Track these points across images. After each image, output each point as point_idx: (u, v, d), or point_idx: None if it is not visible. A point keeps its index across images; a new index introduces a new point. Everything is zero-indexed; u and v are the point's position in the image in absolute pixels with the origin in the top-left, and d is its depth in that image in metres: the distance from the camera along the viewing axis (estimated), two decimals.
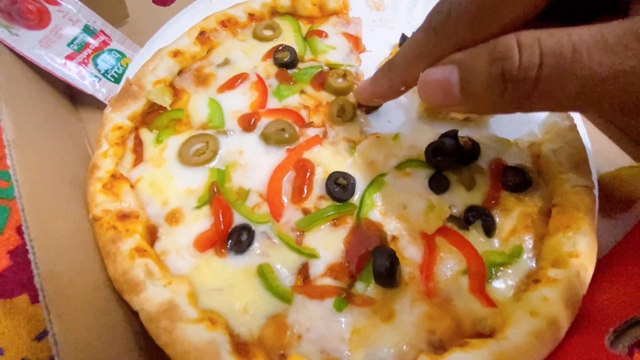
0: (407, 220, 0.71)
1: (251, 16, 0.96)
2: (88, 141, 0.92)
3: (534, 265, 0.67)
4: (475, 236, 0.69)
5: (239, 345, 0.60)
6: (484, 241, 0.69)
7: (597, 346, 0.53)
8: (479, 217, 0.70)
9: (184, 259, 0.68)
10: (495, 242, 0.69)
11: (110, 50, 0.98)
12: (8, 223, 0.73)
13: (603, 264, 0.67)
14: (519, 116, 0.58)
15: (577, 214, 0.67)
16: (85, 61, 0.93)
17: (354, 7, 1.01)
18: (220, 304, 0.63)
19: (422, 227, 0.70)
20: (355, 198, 0.73)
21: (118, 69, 0.97)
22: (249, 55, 0.91)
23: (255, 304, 0.64)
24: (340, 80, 0.86)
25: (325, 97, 0.86)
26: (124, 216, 0.69)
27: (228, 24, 0.94)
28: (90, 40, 0.95)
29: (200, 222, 0.71)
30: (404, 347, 0.60)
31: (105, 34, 0.98)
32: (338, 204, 0.72)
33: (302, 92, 0.86)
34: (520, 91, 0.47)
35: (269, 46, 0.92)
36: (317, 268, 0.67)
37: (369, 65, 0.93)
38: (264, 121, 0.81)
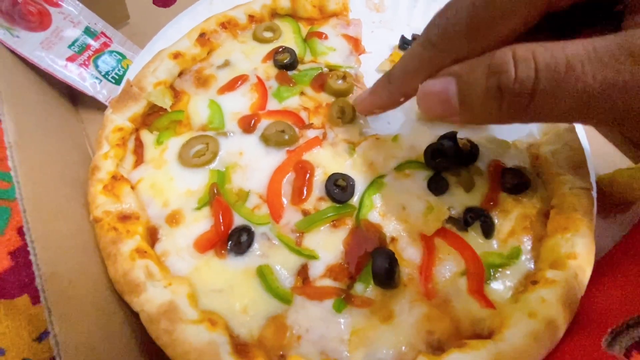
0: (406, 221, 0.71)
1: (251, 18, 0.96)
2: (89, 142, 0.92)
3: (532, 266, 0.67)
4: (473, 237, 0.69)
5: (239, 346, 0.60)
6: (483, 242, 0.69)
7: (594, 347, 0.53)
8: (478, 218, 0.70)
9: (184, 260, 0.68)
10: (494, 244, 0.69)
11: (111, 52, 0.98)
12: (9, 224, 0.73)
13: (601, 266, 0.68)
14: None
15: (575, 215, 0.67)
16: (86, 63, 0.94)
17: (354, 9, 1.01)
18: (220, 305, 0.64)
19: (421, 228, 0.70)
20: (355, 199, 0.74)
21: (119, 70, 0.97)
22: (249, 57, 0.91)
23: (255, 305, 0.64)
24: (340, 81, 0.86)
25: (325, 98, 0.86)
26: (124, 217, 0.70)
27: (228, 25, 0.94)
28: (91, 41, 0.96)
29: (201, 223, 0.71)
30: (403, 347, 0.60)
31: (106, 36, 0.99)
32: (337, 205, 0.73)
33: (302, 93, 0.87)
34: (517, 104, 0.48)
35: (269, 48, 0.92)
36: (317, 269, 0.68)
37: (368, 67, 0.94)
38: (264, 123, 0.81)
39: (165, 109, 0.84)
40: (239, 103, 0.85)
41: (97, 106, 0.95)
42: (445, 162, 0.74)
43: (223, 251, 0.68)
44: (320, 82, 0.88)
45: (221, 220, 0.70)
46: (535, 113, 0.48)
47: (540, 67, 0.45)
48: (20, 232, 0.72)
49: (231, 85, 0.87)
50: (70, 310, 0.55)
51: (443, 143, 0.75)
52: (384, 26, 1.03)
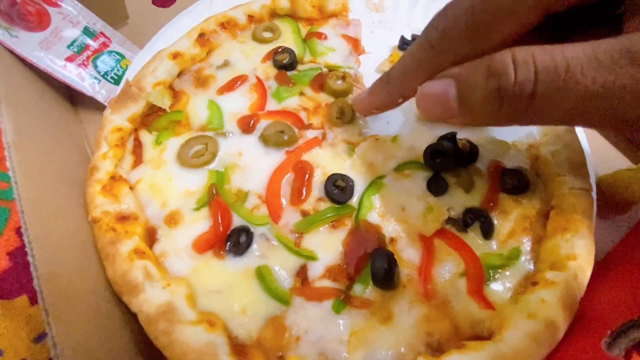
0: (405, 222, 0.71)
1: (251, 18, 0.96)
2: (87, 143, 0.92)
3: (532, 267, 0.67)
4: (473, 238, 0.69)
5: (238, 347, 0.60)
6: (482, 243, 0.69)
7: (594, 348, 0.53)
8: (477, 219, 0.70)
9: (183, 260, 0.68)
10: (493, 245, 0.69)
11: (110, 52, 0.98)
12: (7, 224, 0.73)
13: (601, 267, 0.67)
14: None
15: (575, 216, 0.67)
16: (85, 63, 0.94)
17: (354, 9, 1.01)
18: (218, 306, 0.64)
19: (421, 229, 0.70)
20: (354, 200, 0.74)
21: (118, 70, 0.97)
22: (248, 57, 0.91)
23: (254, 306, 0.64)
24: (339, 82, 0.86)
25: (324, 99, 0.86)
26: (123, 218, 0.69)
27: (228, 25, 0.94)
28: (90, 42, 0.96)
29: (199, 223, 0.71)
30: (402, 349, 0.60)
31: (105, 36, 0.98)
32: (337, 206, 0.73)
33: (301, 94, 0.86)
34: (517, 106, 0.48)
35: (268, 48, 0.92)
36: (316, 270, 0.67)
37: (368, 67, 0.94)
38: (263, 123, 0.81)
39: (165, 109, 0.83)
40: (238, 103, 0.85)
41: (96, 106, 0.95)
42: (445, 162, 0.74)
43: (222, 252, 0.68)
44: (319, 83, 0.87)
45: (220, 221, 0.70)
46: (534, 116, 0.48)
47: (539, 70, 0.45)
48: (18, 232, 0.71)
49: (230, 86, 0.86)
50: (69, 311, 0.55)
51: (443, 144, 0.75)
52: (384, 26, 1.03)
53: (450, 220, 0.70)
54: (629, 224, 0.81)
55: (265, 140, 0.79)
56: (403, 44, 0.96)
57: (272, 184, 0.75)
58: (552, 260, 0.65)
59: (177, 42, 0.90)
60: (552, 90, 0.45)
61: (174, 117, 0.83)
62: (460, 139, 0.76)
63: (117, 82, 0.96)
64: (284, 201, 0.74)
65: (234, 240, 0.68)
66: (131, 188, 0.74)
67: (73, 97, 0.99)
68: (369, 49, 0.97)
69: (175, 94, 0.87)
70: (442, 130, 0.78)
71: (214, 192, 0.73)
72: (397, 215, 0.72)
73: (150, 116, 0.83)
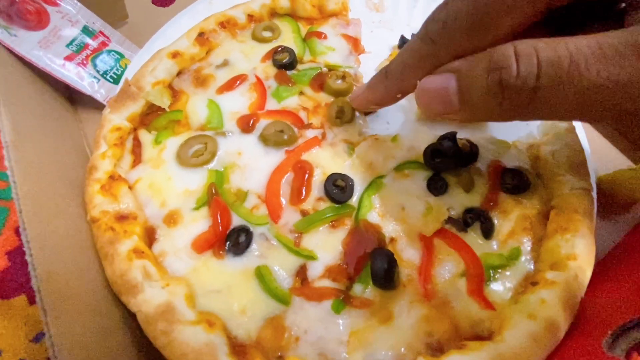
0: (405, 222, 0.71)
1: (250, 17, 0.96)
2: (86, 142, 0.92)
3: (532, 267, 0.67)
4: (473, 238, 0.69)
5: (237, 347, 0.60)
6: (482, 243, 0.69)
7: (595, 349, 0.53)
8: (477, 219, 0.70)
9: (182, 260, 0.68)
10: (494, 244, 0.69)
11: (109, 51, 0.98)
12: (6, 224, 0.73)
13: (601, 267, 0.67)
14: None
15: (575, 216, 0.67)
16: (84, 62, 0.93)
17: (354, 9, 1.01)
18: (218, 306, 0.63)
19: (421, 229, 0.70)
20: (354, 200, 0.73)
21: (117, 69, 0.97)
22: (248, 57, 0.91)
23: (253, 306, 0.64)
24: (339, 81, 0.86)
25: (324, 98, 0.86)
26: (122, 217, 0.69)
27: (227, 25, 0.94)
28: (89, 41, 0.95)
29: (199, 223, 0.71)
30: (402, 349, 0.60)
31: (104, 35, 0.98)
32: (336, 205, 0.72)
33: (301, 93, 0.86)
34: (519, 100, 0.47)
35: (268, 47, 0.92)
36: (315, 270, 0.67)
37: (368, 67, 0.93)
38: (262, 122, 0.81)
39: (164, 109, 0.83)
40: (237, 103, 0.84)
41: (95, 105, 0.94)
42: (445, 162, 0.74)
43: (221, 251, 0.68)
44: (319, 82, 0.87)
45: (219, 221, 0.70)
46: (536, 110, 0.48)
47: (542, 63, 0.44)
48: (17, 232, 0.71)
49: (230, 85, 0.86)
50: (67, 311, 0.55)
51: (443, 143, 0.75)
52: (384, 26, 1.03)
53: (450, 220, 0.70)
54: (630, 224, 0.81)
55: (264, 139, 0.79)
56: (403, 43, 0.96)
57: (272, 184, 0.74)
58: (552, 260, 0.64)
59: (176, 41, 0.90)
60: (555, 84, 0.44)
61: (173, 117, 0.83)
62: (461, 139, 0.76)
63: (116, 81, 0.96)
64: (283, 201, 0.73)
65: (233, 240, 0.68)
66: (130, 187, 0.74)
67: (72, 96, 0.99)
68: (369, 48, 0.97)
69: (175, 93, 0.86)
70: (442, 130, 0.78)
71: (214, 191, 0.73)
72: (397, 215, 0.72)
73: (150, 115, 0.83)
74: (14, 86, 0.75)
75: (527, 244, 0.69)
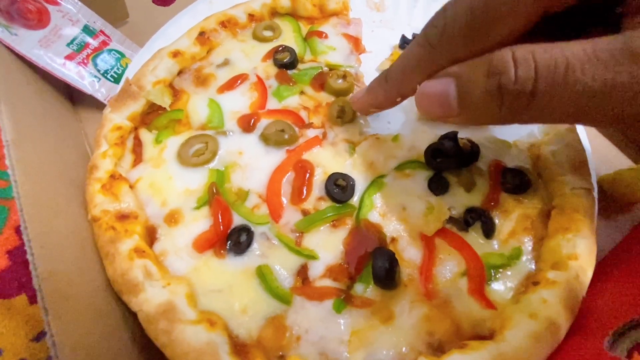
0: (406, 221, 0.71)
1: (251, 17, 0.96)
2: (87, 141, 0.92)
3: (533, 267, 0.67)
4: (474, 238, 0.69)
5: (238, 347, 0.60)
6: (483, 243, 0.69)
7: (596, 349, 0.53)
8: (478, 218, 0.70)
9: (183, 259, 0.68)
10: (495, 244, 0.69)
11: (110, 51, 0.98)
12: (7, 223, 0.73)
13: (602, 266, 0.67)
14: None
15: (576, 216, 0.67)
16: (85, 61, 0.93)
17: (354, 8, 1.01)
18: (219, 305, 0.63)
19: (422, 228, 0.70)
20: (355, 199, 0.73)
21: (117, 69, 0.97)
22: (248, 56, 0.91)
23: (254, 305, 0.64)
24: (340, 81, 0.86)
25: (325, 98, 0.86)
26: (122, 217, 0.69)
27: (228, 24, 0.94)
28: (89, 40, 0.95)
29: (200, 222, 0.71)
30: (403, 348, 0.59)
31: (104, 34, 0.98)
32: (337, 205, 0.72)
33: (301, 93, 0.86)
34: (517, 104, 0.48)
35: (268, 47, 0.92)
36: (316, 269, 0.67)
37: (369, 66, 0.93)
38: (263, 122, 0.81)
39: (165, 108, 0.83)
40: (238, 102, 0.84)
41: (96, 105, 0.94)
42: (446, 162, 0.74)
43: (222, 251, 0.68)
44: (320, 82, 0.87)
45: (220, 220, 0.70)
46: (535, 114, 0.49)
47: (540, 68, 0.45)
48: (18, 231, 0.71)
49: (231, 84, 0.86)
50: (68, 310, 0.55)
51: (444, 143, 0.75)
52: (385, 25, 1.03)
53: (451, 219, 0.70)
54: (631, 224, 0.81)
55: (265, 139, 0.79)
56: (404, 43, 0.96)
57: (273, 183, 0.74)
58: (553, 260, 0.64)
59: (177, 40, 0.90)
60: (552, 88, 0.45)
61: (174, 116, 0.83)
62: (462, 138, 0.76)
63: (117, 80, 0.96)
64: (284, 200, 0.73)
65: (234, 240, 0.68)
66: (131, 187, 0.74)
67: (73, 96, 0.99)
68: (369, 48, 0.97)
69: (175, 92, 0.86)
70: (443, 129, 0.78)
71: (214, 191, 0.73)
72: (398, 214, 0.72)
73: (150, 115, 0.83)
74: (14, 85, 0.75)
75: (528, 244, 0.68)
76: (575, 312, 0.60)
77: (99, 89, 0.93)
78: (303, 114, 0.83)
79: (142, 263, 0.64)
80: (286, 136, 0.78)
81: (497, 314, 0.61)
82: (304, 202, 0.73)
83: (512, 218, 0.70)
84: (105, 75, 0.95)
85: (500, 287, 0.65)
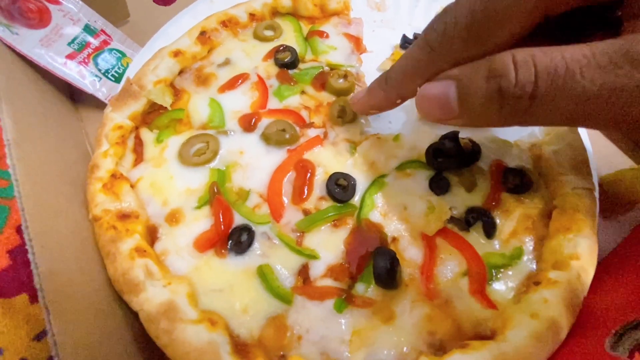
0: (407, 221, 0.71)
1: (252, 16, 0.96)
2: (88, 141, 0.92)
3: (535, 267, 0.67)
4: (475, 238, 0.69)
5: (239, 346, 0.60)
6: (484, 243, 0.69)
7: (597, 348, 0.53)
8: (480, 218, 0.70)
9: (184, 259, 0.67)
10: (496, 244, 0.69)
11: (111, 50, 0.98)
12: (7, 222, 0.73)
13: (604, 266, 0.67)
14: None
15: (577, 215, 0.67)
16: (86, 60, 0.93)
17: (355, 8, 1.01)
18: (220, 305, 0.63)
19: (423, 228, 0.70)
20: (356, 199, 0.73)
21: (118, 68, 0.97)
22: (249, 56, 0.91)
23: (255, 305, 0.64)
24: (341, 80, 0.86)
25: (326, 97, 0.86)
26: (123, 216, 0.69)
27: (229, 24, 0.94)
28: (90, 39, 0.95)
29: (201, 222, 0.71)
30: (405, 348, 0.59)
31: (105, 34, 0.98)
32: (338, 204, 0.72)
33: (302, 92, 0.86)
34: (517, 107, 0.48)
35: (269, 46, 0.92)
36: (317, 269, 0.67)
37: (370, 66, 0.93)
38: (264, 121, 0.81)
39: (166, 107, 0.83)
40: (239, 102, 0.84)
41: (97, 104, 0.95)
42: (447, 161, 0.74)
43: (223, 250, 0.68)
44: (321, 81, 0.87)
45: (221, 220, 0.70)
46: (534, 116, 0.49)
47: (540, 71, 0.45)
48: (18, 230, 0.71)
49: (232, 84, 0.86)
50: (69, 310, 0.55)
51: (445, 143, 0.75)
52: (385, 25, 1.03)
53: (452, 219, 0.70)
54: (632, 224, 0.81)
55: (266, 138, 0.78)
56: (405, 42, 0.96)
57: (274, 183, 0.74)
58: (554, 259, 0.64)
59: (178, 40, 0.90)
60: (552, 91, 0.45)
61: (175, 115, 0.83)
62: (463, 138, 0.76)
63: (117, 80, 0.96)
64: (285, 200, 0.73)
65: (235, 239, 0.68)
66: (132, 186, 0.74)
67: (73, 95, 0.99)
68: (370, 47, 0.97)
69: (176, 92, 0.86)
70: (444, 129, 0.78)
71: (215, 190, 0.73)
72: (399, 214, 0.72)
73: (151, 114, 0.83)
74: (15, 84, 0.75)
75: (529, 244, 0.68)
76: (576, 312, 0.60)
77: (99, 89, 0.93)
78: (304, 114, 0.83)
79: (143, 262, 0.64)
80: (287, 136, 0.78)
81: (498, 314, 0.61)
82: (305, 201, 0.73)
83: (513, 218, 0.70)
84: (106, 74, 0.95)
85: (502, 287, 0.65)
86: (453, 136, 0.75)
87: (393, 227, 0.71)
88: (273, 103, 0.85)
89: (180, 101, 0.85)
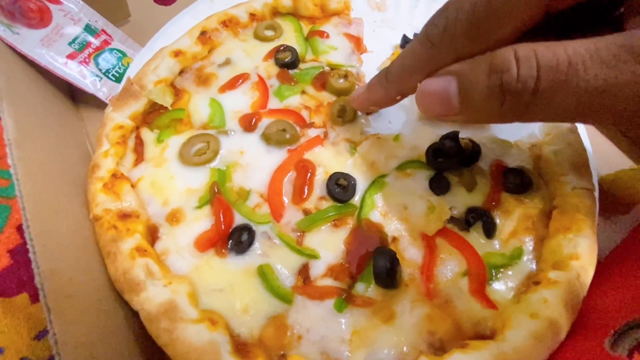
0: (407, 221, 0.71)
1: (252, 16, 0.96)
2: (89, 140, 0.92)
3: (534, 267, 0.67)
4: (475, 237, 0.69)
5: (239, 346, 0.60)
6: (484, 243, 0.69)
7: (597, 348, 0.53)
8: (480, 218, 0.70)
9: (185, 259, 0.68)
10: (496, 244, 0.69)
11: (112, 50, 0.98)
12: (8, 222, 0.73)
13: (603, 266, 0.67)
14: None
15: (577, 215, 0.67)
16: (87, 60, 0.93)
17: (356, 8, 1.01)
18: (220, 304, 0.63)
19: (423, 228, 0.70)
20: (356, 199, 0.73)
21: (119, 68, 0.97)
22: (250, 56, 0.91)
23: (256, 305, 0.64)
24: (341, 80, 0.86)
25: (326, 97, 0.86)
26: (124, 216, 0.69)
27: (229, 23, 0.94)
28: (91, 39, 0.95)
29: (201, 222, 0.71)
30: (405, 348, 0.60)
31: (106, 33, 0.98)
32: (339, 204, 0.72)
33: (303, 92, 0.86)
34: (519, 103, 0.48)
35: (270, 46, 0.92)
36: (318, 269, 0.67)
37: (370, 66, 0.93)
38: (265, 121, 0.81)
39: (166, 107, 0.83)
40: (239, 101, 0.84)
41: (98, 104, 0.95)
42: (447, 161, 0.74)
43: (224, 250, 0.68)
44: (321, 81, 0.87)
45: (222, 219, 0.70)
46: (536, 112, 0.48)
47: (542, 66, 0.45)
48: (19, 230, 0.71)
49: (232, 84, 0.86)
50: (70, 309, 0.55)
51: (445, 143, 0.75)
52: (386, 25, 1.03)
53: (452, 219, 0.70)
54: (632, 224, 0.81)
55: (267, 138, 0.79)
56: (405, 42, 0.96)
57: (274, 183, 0.74)
58: (554, 259, 0.64)
59: (178, 40, 0.90)
60: (554, 86, 0.45)
61: (175, 115, 0.83)
62: (463, 138, 0.76)
63: (118, 79, 0.96)
64: (285, 200, 0.73)
65: (235, 239, 0.68)
66: (132, 186, 0.74)
67: (74, 95, 0.99)
68: (371, 47, 0.97)
69: (177, 91, 0.86)
70: (445, 129, 0.78)
71: (216, 190, 0.73)
72: (399, 214, 0.72)
73: (152, 114, 0.83)
74: (16, 84, 0.75)
75: (529, 244, 0.68)
76: (576, 312, 0.60)
77: (100, 88, 0.94)
78: (304, 114, 0.83)
79: (144, 262, 0.64)
80: (287, 136, 0.78)
81: (498, 314, 0.61)
82: (305, 201, 0.73)
83: (513, 218, 0.70)
84: (107, 74, 0.95)
85: (501, 286, 0.65)
86: (453, 136, 0.75)
87: (393, 227, 0.71)
88: (273, 103, 0.85)
89: (180, 101, 0.85)
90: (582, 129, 0.81)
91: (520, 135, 0.81)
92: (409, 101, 0.88)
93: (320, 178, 0.75)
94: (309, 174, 0.75)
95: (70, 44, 0.92)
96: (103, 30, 0.98)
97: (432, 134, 0.79)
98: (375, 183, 0.75)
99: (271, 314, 0.63)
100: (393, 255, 0.65)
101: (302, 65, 0.90)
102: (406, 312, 0.63)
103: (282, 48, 0.91)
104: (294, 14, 0.99)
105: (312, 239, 0.70)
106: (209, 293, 0.64)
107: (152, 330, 0.60)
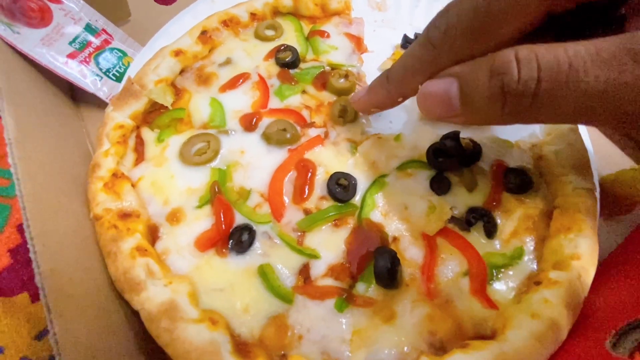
0: (408, 221, 0.71)
1: (253, 16, 0.96)
2: (89, 140, 0.92)
3: (535, 267, 0.67)
4: (476, 237, 0.69)
5: (240, 346, 0.60)
6: (485, 242, 0.69)
7: (598, 349, 0.53)
8: (480, 218, 0.70)
9: (185, 258, 0.68)
10: (496, 244, 0.69)
11: (112, 49, 0.98)
12: (8, 221, 0.73)
13: (604, 266, 0.67)
14: None
15: (578, 215, 0.67)
16: (87, 60, 0.93)
17: (356, 8, 1.01)
18: (221, 304, 0.63)
19: (423, 228, 0.70)
20: (357, 199, 0.73)
21: (120, 67, 0.97)
22: (250, 55, 0.91)
23: (256, 304, 0.64)
24: (342, 80, 0.86)
25: (327, 97, 0.86)
26: (125, 215, 0.69)
27: (230, 23, 0.94)
28: (92, 38, 0.95)
29: (202, 221, 0.71)
30: (405, 348, 0.59)
31: (107, 33, 0.98)
32: (339, 204, 0.72)
33: (303, 92, 0.86)
34: (520, 105, 0.48)
35: (270, 46, 0.92)
36: (318, 268, 0.67)
37: (370, 66, 0.93)
38: (265, 121, 0.81)
39: (167, 107, 0.83)
40: (240, 101, 0.84)
41: (98, 103, 0.95)
42: (448, 161, 0.74)
43: (224, 250, 0.68)
44: (322, 81, 0.87)
45: (222, 219, 0.70)
46: (537, 114, 0.49)
47: (542, 68, 0.45)
48: (19, 229, 0.71)
49: (233, 83, 0.86)
50: (70, 309, 0.55)
51: (445, 142, 0.75)
52: (386, 25, 1.03)
53: (453, 219, 0.70)
54: (633, 224, 0.81)
55: (267, 138, 0.79)
56: (406, 42, 0.96)
57: (275, 182, 0.74)
58: (555, 260, 0.64)
59: (179, 39, 0.90)
60: (555, 88, 0.45)
61: (176, 115, 0.83)
62: (463, 138, 0.76)
63: (119, 79, 0.96)
64: (286, 199, 0.73)
65: (236, 239, 0.68)
66: (133, 185, 0.74)
67: (75, 94, 0.99)
68: (371, 47, 0.97)
69: (177, 91, 0.86)
70: (445, 129, 0.78)
71: (216, 190, 0.73)
72: (400, 214, 0.72)
73: (152, 113, 0.83)
74: (16, 83, 0.75)
75: (530, 244, 0.68)
76: (577, 312, 0.60)
77: (101, 88, 0.94)
78: (305, 113, 0.83)
79: (144, 262, 0.64)
80: (288, 135, 0.78)
81: (499, 314, 0.61)
82: (306, 201, 0.73)
83: (514, 218, 0.70)
84: (107, 73, 0.95)
85: (502, 287, 0.65)
86: (454, 136, 0.75)
87: (394, 226, 0.71)
88: (274, 102, 0.85)
89: (181, 100, 0.85)
90: (583, 129, 0.81)
91: (521, 135, 0.81)
92: (410, 101, 0.88)
93: (320, 178, 0.75)
94: (310, 174, 0.75)
95: (70, 43, 0.92)
96: (103, 29, 0.98)
97: (433, 134, 0.79)
98: (376, 183, 0.75)
99: (272, 313, 0.63)
100: (394, 255, 0.65)
101: (302, 65, 0.90)
102: (407, 312, 0.63)
103: (282, 48, 0.91)
104: (295, 14, 0.99)
105: (312, 238, 0.70)
106: (210, 293, 0.64)
107: (153, 330, 0.60)
